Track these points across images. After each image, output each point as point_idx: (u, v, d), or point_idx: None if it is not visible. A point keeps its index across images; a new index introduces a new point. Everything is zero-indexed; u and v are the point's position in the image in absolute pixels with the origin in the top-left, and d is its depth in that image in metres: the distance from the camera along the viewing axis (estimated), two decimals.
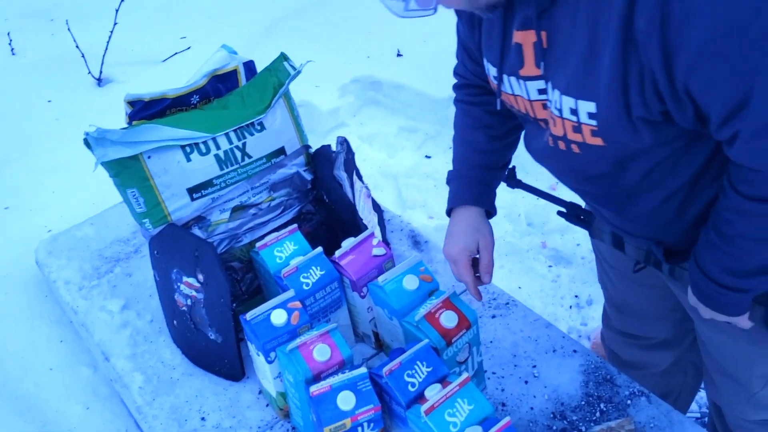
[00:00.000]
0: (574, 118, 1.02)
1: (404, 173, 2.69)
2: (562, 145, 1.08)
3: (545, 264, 2.25)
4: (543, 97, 1.08)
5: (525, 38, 1.05)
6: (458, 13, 1.26)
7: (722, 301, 1.12)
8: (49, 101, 2.89)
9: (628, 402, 1.38)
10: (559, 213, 1.50)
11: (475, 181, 1.38)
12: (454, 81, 1.46)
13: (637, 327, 1.61)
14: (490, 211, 1.39)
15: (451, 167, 1.44)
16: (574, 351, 1.50)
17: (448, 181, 1.43)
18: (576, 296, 2.15)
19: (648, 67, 0.90)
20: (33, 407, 1.70)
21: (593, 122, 1.00)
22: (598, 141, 1.02)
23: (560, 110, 1.03)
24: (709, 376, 1.47)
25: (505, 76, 1.15)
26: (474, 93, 1.41)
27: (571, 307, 2.12)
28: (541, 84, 1.07)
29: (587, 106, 0.99)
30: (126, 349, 1.64)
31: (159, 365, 1.60)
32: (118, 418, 1.70)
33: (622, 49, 0.90)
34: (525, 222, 2.39)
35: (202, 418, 1.47)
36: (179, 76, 1.82)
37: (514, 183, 1.55)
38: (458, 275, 1.38)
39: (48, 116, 2.79)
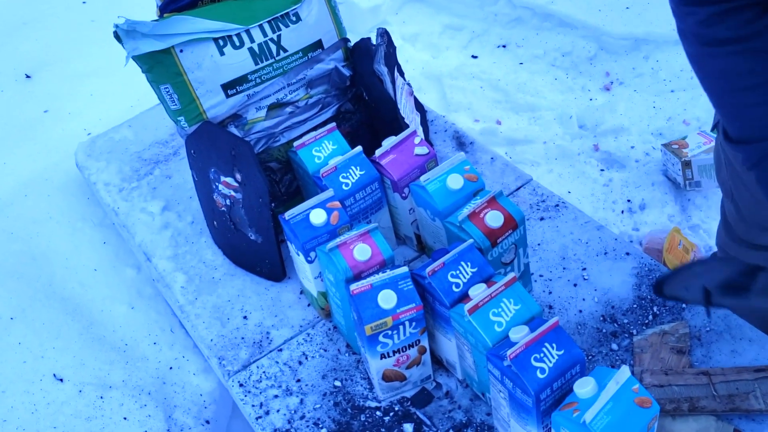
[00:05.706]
0: None
1: (449, 74, 2.56)
2: None
3: (597, 168, 2.14)
4: None
5: None
6: None
7: None
8: (83, 2, 2.82)
9: (683, 305, 1.32)
10: None
11: None
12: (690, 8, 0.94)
13: None
14: None
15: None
16: (627, 254, 1.43)
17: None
18: (628, 200, 2.05)
19: None
20: (79, 307, 1.72)
21: None
22: None
23: None
24: None
25: None
26: (748, 19, 0.91)
27: (623, 212, 2.03)
28: None
29: None
30: (167, 250, 1.64)
31: (200, 265, 1.59)
32: (163, 317, 1.71)
33: None
34: (576, 124, 2.26)
35: (244, 317, 1.46)
36: None
37: None
38: None
39: (83, 18, 2.72)
